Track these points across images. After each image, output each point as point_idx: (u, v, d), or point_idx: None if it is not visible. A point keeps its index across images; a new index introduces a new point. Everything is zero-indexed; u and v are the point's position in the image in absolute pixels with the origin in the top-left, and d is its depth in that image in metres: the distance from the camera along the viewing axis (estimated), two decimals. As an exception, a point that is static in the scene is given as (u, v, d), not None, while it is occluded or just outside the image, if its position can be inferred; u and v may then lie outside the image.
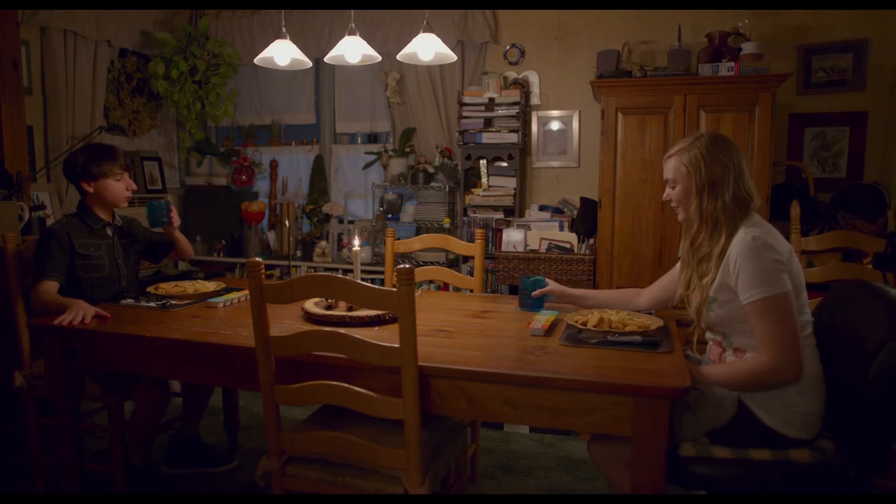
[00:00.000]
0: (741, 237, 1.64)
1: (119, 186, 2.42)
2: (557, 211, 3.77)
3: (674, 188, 1.79)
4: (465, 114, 3.78)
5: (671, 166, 1.78)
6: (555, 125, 3.91)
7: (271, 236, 4.45)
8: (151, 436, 2.33)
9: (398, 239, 2.84)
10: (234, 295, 2.40)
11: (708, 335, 1.81)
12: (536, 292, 2.18)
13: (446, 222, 3.95)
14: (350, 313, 1.99)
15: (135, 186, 2.50)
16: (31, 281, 2.33)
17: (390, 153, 4.20)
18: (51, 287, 2.24)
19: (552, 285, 2.20)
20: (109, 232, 2.46)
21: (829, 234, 2.70)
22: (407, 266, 1.52)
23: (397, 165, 4.11)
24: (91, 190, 2.39)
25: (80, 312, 2.03)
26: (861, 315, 1.65)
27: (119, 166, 2.42)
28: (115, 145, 2.51)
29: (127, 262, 2.51)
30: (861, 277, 2.41)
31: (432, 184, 3.98)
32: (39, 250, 2.30)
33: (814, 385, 1.62)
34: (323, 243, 4.19)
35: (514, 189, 3.77)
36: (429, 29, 2.43)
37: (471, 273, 2.89)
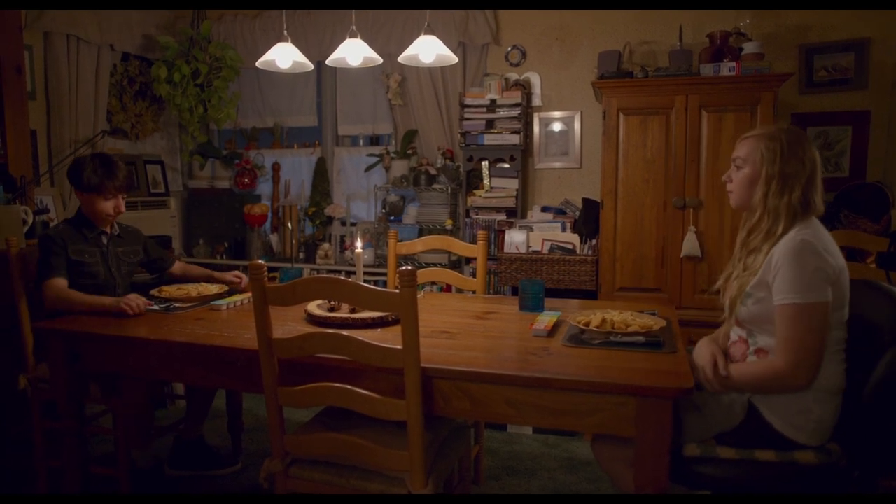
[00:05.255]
0: (791, 237, 1.60)
1: (105, 206, 2.39)
2: (560, 212, 3.77)
3: (739, 168, 1.73)
4: (466, 115, 3.78)
5: (747, 147, 1.72)
6: (556, 126, 3.91)
7: (274, 239, 4.46)
8: (143, 430, 2.32)
9: (400, 241, 2.84)
10: (237, 297, 2.40)
11: (734, 332, 1.77)
12: None
13: (448, 224, 3.95)
14: (353, 315, 2.00)
15: (123, 210, 2.45)
16: (34, 285, 2.34)
17: (392, 155, 4.21)
18: (62, 284, 2.27)
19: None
20: (104, 240, 2.47)
21: (832, 234, 2.66)
22: (409, 268, 1.52)
23: (399, 167, 4.12)
24: (81, 199, 2.40)
25: (134, 302, 2.15)
26: (868, 315, 1.64)
27: (114, 187, 2.37)
28: (121, 165, 2.42)
29: (120, 270, 2.51)
30: (864, 277, 2.40)
31: (434, 185, 3.98)
32: (40, 254, 2.32)
33: (832, 396, 1.60)
34: (325, 245, 4.19)
35: (517, 190, 3.77)
36: (430, 31, 2.43)
37: (473, 274, 2.89)
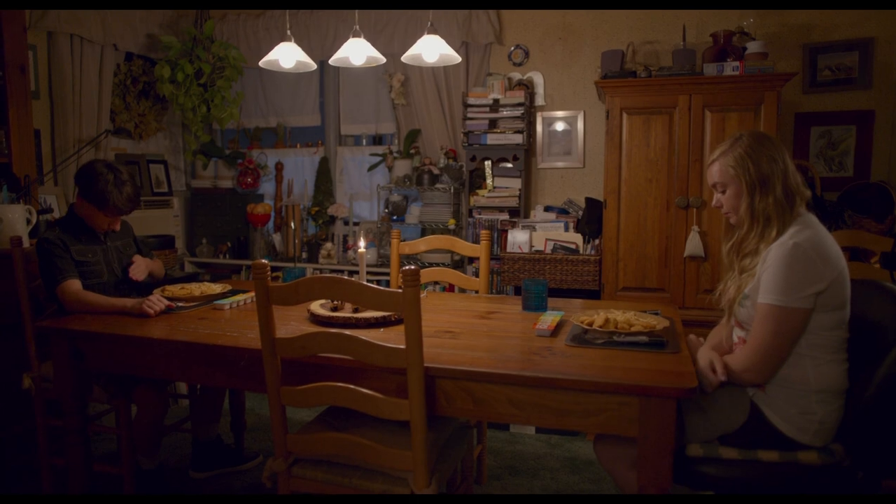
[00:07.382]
0: (784, 240, 1.59)
1: (101, 222, 2.39)
2: (562, 211, 3.77)
3: (723, 192, 1.74)
4: (469, 115, 3.78)
5: (717, 170, 1.73)
6: (559, 126, 3.91)
7: (277, 238, 4.46)
8: (154, 439, 2.33)
9: (403, 240, 2.84)
10: (240, 297, 2.41)
11: (735, 333, 1.78)
12: None
13: (451, 223, 3.95)
14: (356, 315, 2.00)
15: (117, 229, 2.46)
16: (43, 289, 2.34)
17: (395, 155, 4.21)
18: (77, 286, 2.27)
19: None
20: (102, 237, 2.47)
21: (836, 234, 2.67)
22: (412, 267, 1.52)
23: (402, 167, 4.12)
24: (80, 205, 2.38)
25: (156, 304, 2.15)
26: (872, 315, 1.64)
27: (118, 210, 2.35)
28: (133, 187, 2.39)
29: (121, 265, 2.51)
30: (869, 277, 2.40)
31: (437, 185, 3.98)
32: (45, 260, 2.29)
33: (835, 397, 1.60)
34: (328, 245, 4.20)
35: (519, 190, 3.76)
36: (433, 30, 2.43)
37: (476, 274, 2.89)
